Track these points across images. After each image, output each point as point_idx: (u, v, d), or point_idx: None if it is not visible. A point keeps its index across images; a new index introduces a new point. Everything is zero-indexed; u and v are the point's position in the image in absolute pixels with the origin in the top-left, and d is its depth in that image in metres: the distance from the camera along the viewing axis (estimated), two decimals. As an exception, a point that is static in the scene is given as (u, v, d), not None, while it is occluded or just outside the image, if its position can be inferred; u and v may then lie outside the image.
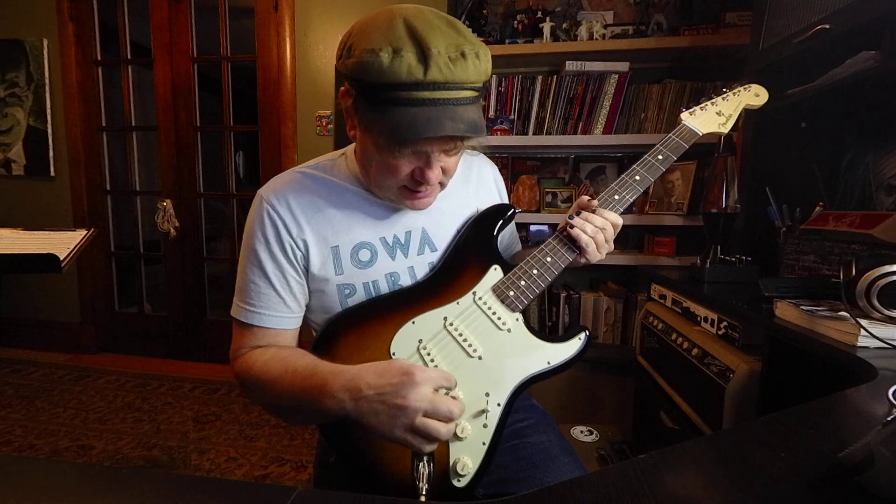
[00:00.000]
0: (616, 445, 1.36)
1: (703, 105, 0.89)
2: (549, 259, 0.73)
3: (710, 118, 0.87)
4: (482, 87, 0.62)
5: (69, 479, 0.41)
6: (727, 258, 1.25)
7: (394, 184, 0.66)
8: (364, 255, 0.72)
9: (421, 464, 0.57)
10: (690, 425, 1.10)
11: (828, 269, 1.08)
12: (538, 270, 0.72)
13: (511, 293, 0.71)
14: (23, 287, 2.70)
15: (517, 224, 1.03)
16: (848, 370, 0.66)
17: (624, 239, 2.07)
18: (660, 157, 0.81)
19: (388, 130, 0.59)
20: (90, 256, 2.62)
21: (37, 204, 2.61)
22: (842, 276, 0.76)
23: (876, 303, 0.71)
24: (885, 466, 0.34)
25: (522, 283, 0.71)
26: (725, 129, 0.87)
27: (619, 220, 0.74)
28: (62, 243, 1.04)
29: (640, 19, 1.95)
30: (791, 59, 1.21)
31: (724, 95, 0.91)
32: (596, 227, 0.71)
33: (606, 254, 0.74)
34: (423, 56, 0.54)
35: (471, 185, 0.82)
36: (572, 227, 0.72)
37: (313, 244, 0.70)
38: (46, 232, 1.14)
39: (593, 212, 0.73)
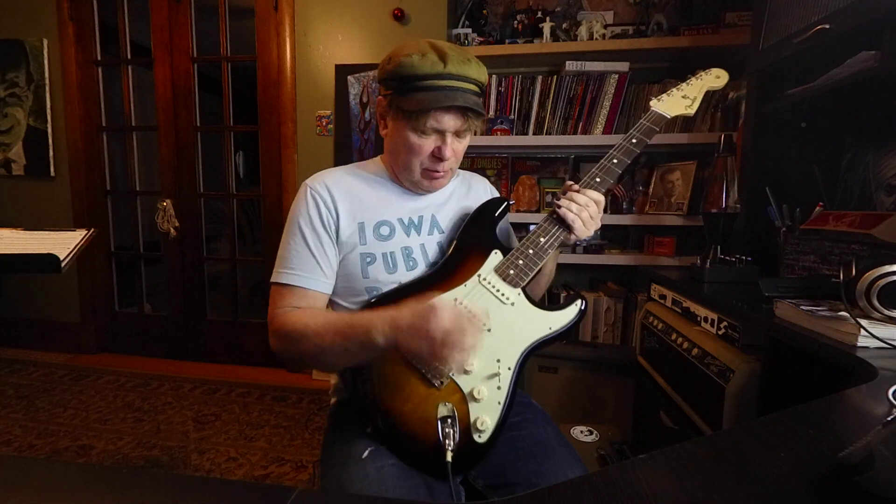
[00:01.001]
0: (616, 445, 1.36)
1: (669, 91, 0.98)
2: (542, 239, 0.82)
3: (677, 102, 0.96)
4: (482, 88, 0.82)
5: (69, 479, 0.41)
6: (727, 258, 1.25)
7: (418, 163, 0.83)
8: (384, 230, 0.86)
9: (446, 424, 0.70)
10: (690, 425, 1.10)
11: (828, 269, 1.08)
12: (533, 250, 0.82)
13: (511, 272, 0.80)
14: (23, 287, 2.70)
15: (518, 224, 1.07)
16: (848, 370, 0.66)
17: (624, 239, 2.07)
18: (634, 140, 0.89)
19: (417, 105, 0.76)
20: (90, 256, 2.62)
21: (37, 204, 2.61)
22: (842, 276, 0.76)
23: (876, 303, 0.71)
24: (885, 466, 0.34)
25: (521, 262, 0.81)
26: (691, 111, 0.95)
27: (601, 198, 0.83)
28: (62, 243, 1.04)
29: (640, 19, 1.96)
30: (791, 59, 1.21)
31: (689, 81, 0.99)
32: (580, 204, 0.81)
33: (595, 230, 0.83)
34: (442, 57, 0.77)
35: (471, 193, 0.98)
36: (559, 206, 0.81)
37: (344, 218, 0.84)
38: (46, 232, 1.13)
39: (577, 192, 0.83)
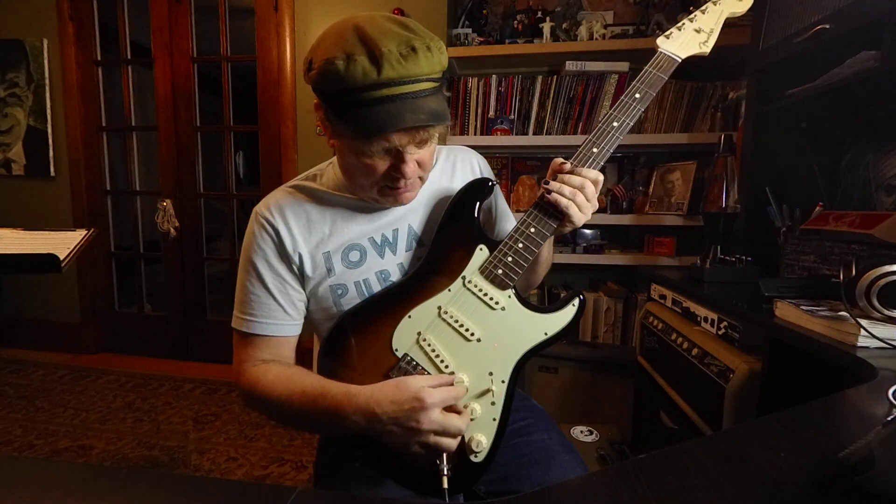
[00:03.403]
0: (616, 445, 1.36)
1: (680, 24, 0.78)
2: (532, 230, 0.71)
3: (689, 38, 0.77)
4: (441, 77, 0.65)
5: (69, 479, 0.41)
6: (727, 258, 1.25)
7: (373, 184, 0.69)
8: (354, 255, 0.75)
9: None
10: (690, 425, 1.10)
11: (828, 269, 1.08)
12: (524, 243, 0.71)
13: (499, 271, 0.70)
14: (23, 287, 2.70)
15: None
16: (848, 370, 0.66)
17: (624, 239, 2.07)
18: (637, 95, 0.73)
19: (355, 132, 0.62)
20: (90, 256, 2.62)
21: (37, 204, 2.61)
22: (842, 276, 0.76)
23: (876, 303, 0.71)
24: (885, 466, 0.34)
25: (509, 258, 0.70)
26: (707, 49, 0.77)
27: (599, 176, 0.69)
28: (62, 243, 1.04)
29: (640, 19, 1.96)
30: (791, 59, 1.21)
31: (705, 7, 0.79)
32: (574, 187, 0.68)
33: (592, 213, 0.71)
34: (375, 57, 0.58)
35: (456, 178, 0.83)
36: (549, 192, 0.69)
37: (306, 252, 0.73)
38: (46, 232, 1.14)
39: (571, 172, 0.69)
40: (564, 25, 1.97)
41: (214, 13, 2.35)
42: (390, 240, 0.76)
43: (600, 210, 1.95)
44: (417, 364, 0.70)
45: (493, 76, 1.95)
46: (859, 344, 0.70)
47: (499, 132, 1.94)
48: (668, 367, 1.26)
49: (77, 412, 2.01)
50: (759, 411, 0.89)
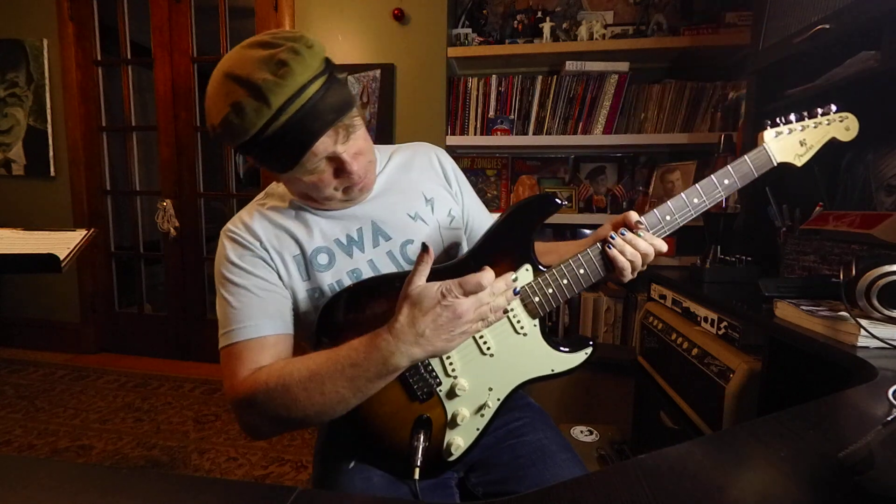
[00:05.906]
0: (616, 445, 1.36)
1: (790, 127, 0.77)
2: (582, 271, 0.71)
3: (791, 145, 0.76)
4: (325, 68, 0.62)
5: (69, 479, 0.41)
6: (727, 258, 1.25)
7: (333, 191, 0.71)
8: (322, 258, 0.75)
9: (418, 437, 0.67)
10: (690, 425, 1.10)
11: (828, 269, 1.08)
12: (569, 281, 0.70)
13: (536, 299, 0.70)
14: (23, 287, 2.70)
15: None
16: (848, 370, 0.66)
17: (624, 239, 2.06)
18: (725, 181, 0.73)
19: (284, 164, 0.65)
20: (90, 256, 2.62)
21: (37, 204, 2.61)
22: (842, 276, 0.76)
23: (876, 303, 0.71)
24: (885, 466, 0.34)
25: (550, 290, 0.70)
26: (800, 163, 0.76)
27: (664, 247, 0.70)
28: (62, 243, 1.04)
29: (640, 19, 1.96)
30: (791, 59, 1.21)
31: (817, 120, 0.78)
32: (638, 251, 0.68)
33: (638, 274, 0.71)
34: (258, 92, 0.58)
35: (413, 171, 0.84)
36: (612, 246, 0.69)
37: (278, 259, 0.73)
38: (46, 232, 1.14)
39: (640, 238, 0.69)
40: (564, 25, 1.97)
41: (214, 13, 2.35)
42: (356, 238, 0.77)
43: (601, 210, 1.95)
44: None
45: (493, 76, 1.95)
46: (859, 344, 0.70)
47: (499, 132, 1.94)
48: (668, 367, 1.26)
49: (77, 412, 2.01)
50: (759, 411, 0.89)
